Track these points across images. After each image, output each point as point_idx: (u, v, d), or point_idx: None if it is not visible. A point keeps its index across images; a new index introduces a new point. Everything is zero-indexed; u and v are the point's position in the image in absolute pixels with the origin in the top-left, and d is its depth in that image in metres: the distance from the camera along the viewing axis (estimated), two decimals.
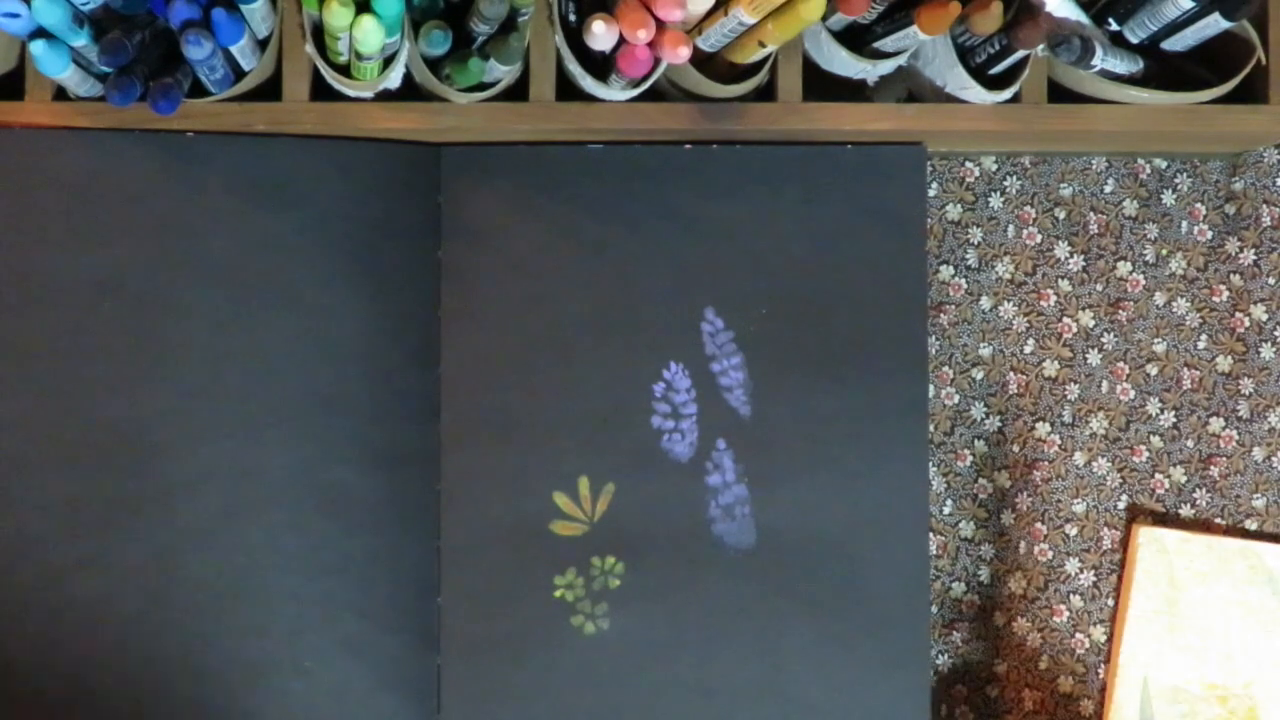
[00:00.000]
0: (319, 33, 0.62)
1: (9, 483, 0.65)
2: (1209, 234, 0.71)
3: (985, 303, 0.71)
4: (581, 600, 0.67)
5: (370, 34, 0.58)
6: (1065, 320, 0.71)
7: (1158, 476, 0.71)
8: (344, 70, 0.63)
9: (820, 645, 0.67)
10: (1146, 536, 0.69)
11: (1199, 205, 0.72)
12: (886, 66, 0.65)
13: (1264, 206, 0.71)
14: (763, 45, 0.61)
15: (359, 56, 0.60)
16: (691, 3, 0.58)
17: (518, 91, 0.65)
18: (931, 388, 0.71)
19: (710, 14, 0.60)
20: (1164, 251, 0.71)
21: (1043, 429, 0.71)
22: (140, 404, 0.65)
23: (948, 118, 0.65)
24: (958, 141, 0.69)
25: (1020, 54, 0.63)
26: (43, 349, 0.65)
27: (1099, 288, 0.71)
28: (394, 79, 0.63)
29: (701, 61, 0.63)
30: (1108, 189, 0.72)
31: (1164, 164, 0.71)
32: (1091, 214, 0.71)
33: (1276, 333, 0.71)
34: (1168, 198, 0.72)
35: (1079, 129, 0.66)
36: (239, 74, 0.63)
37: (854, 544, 0.67)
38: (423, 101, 0.65)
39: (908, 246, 0.68)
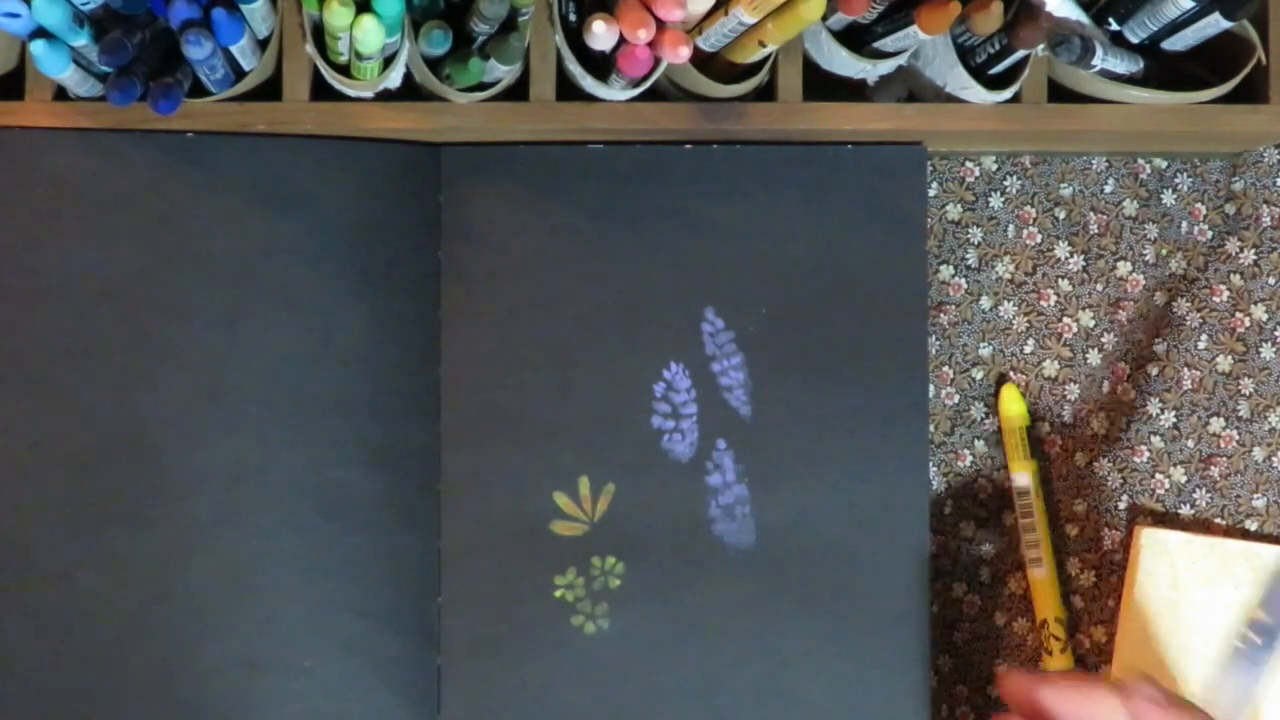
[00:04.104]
0: (319, 33, 0.62)
1: (9, 483, 0.65)
2: (1209, 234, 0.71)
3: (985, 303, 0.71)
4: (582, 600, 0.67)
5: (370, 34, 0.58)
6: (1065, 320, 0.71)
7: (1158, 476, 0.71)
8: (344, 70, 0.63)
9: (820, 645, 0.67)
10: (1149, 539, 0.68)
11: (1199, 205, 0.72)
12: (886, 66, 0.65)
13: (1264, 206, 0.71)
14: (763, 45, 0.61)
15: (359, 56, 0.60)
16: (691, 3, 0.58)
17: (518, 91, 0.65)
18: (931, 388, 0.71)
19: (710, 14, 0.60)
20: (1164, 251, 0.71)
21: (1043, 429, 0.71)
22: (140, 404, 0.65)
23: (948, 118, 0.65)
24: (958, 141, 0.69)
25: (1020, 54, 0.63)
26: (43, 349, 0.65)
27: (1099, 288, 0.71)
28: (394, 79, 0.63)
29: (702, 61, 0.63)
30: (1108, 189, 0.72)
31: (1164, 164, 0.71)
32: (1091, 214, 0.71)
33: (1276, 333, 0.71)
34: (1168, 198, 0.72)
35: (1079, 129, 0.66)
36: (239, 74, 0.63)
37: (854, 544, 0.67)
38: (423, 101, 0.65)
39: (908, 246, 0.68)
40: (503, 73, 0.63)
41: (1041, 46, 0.62)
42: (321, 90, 0.65)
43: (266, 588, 0.65)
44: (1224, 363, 0.71)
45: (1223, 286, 0.71)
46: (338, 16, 0.58)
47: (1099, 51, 0.62)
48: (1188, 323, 0.71)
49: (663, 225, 0.67)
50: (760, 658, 0.67)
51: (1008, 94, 0.65)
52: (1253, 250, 0.71)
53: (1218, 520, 0.71)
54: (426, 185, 0.67)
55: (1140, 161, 0.72)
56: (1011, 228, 0.71)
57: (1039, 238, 0.71)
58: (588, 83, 0.63)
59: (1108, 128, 0.65)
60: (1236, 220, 0.71)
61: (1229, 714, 0.60)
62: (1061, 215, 0.71)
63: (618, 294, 0.67)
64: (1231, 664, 0.60)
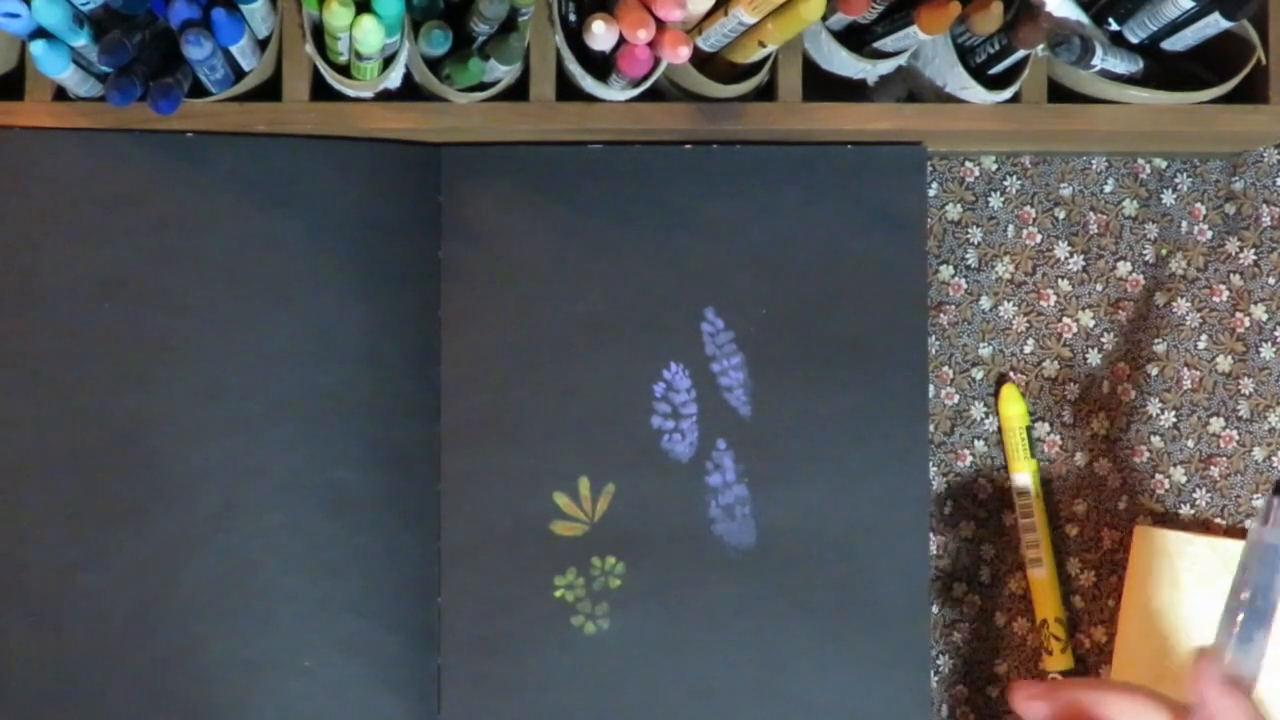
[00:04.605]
0: (319, 33, 0.62)
1: (9, 483, 0.65)
2: (1209, 234, 0.71)
3: (985, 303, 0.71)
4: (582, 600, 0.67)
5: (370, 34, 0.58)
6: (1065, 320, 0.71)
7: (1158, 477, 0.71)
8: (344, 70, 0.63)
9: (820, 645, 0.67)
10: (1149, 539, 0.68)
11: (1199, 205, 0.72)
12: (886, 66, 0.65)
13: (1264, 206, 0.71)
14: (763, 45, 0.61)
15: (359, 56, 0.60)
16: (691, 3, 0.58)
17: (518, 91, 0.65)
18: (931, 388, 0.71)
19: (710, 14, 0.60)
20: (1164, 251, 0.71)
21: (1042, 429, 0.71)
22: (140, 404, 0.65)
23: (948, 118, 0.65)
24: (958, 141, 0.69)
25: (1020, 54, 0.63)
26: (43, 349, 0.65)
27: (1099, 288, 0.71)
28: (394, 79, 0.63)
29: (701, 61, 0.63)
30: (1108, 189, 0.72)
31: (1164, 164, 0.71)
32: (1091, 214, 0.71)
33: (1276, 333, 0.71)
34: (1168, 198, 0.72)
35: (1079, 129, 0.66)
36: (239, 74, 0.63)
37: (854, 544, 0.67)
38: (423, 101, 0.65)
39: (908, 246, 0.68)
40: (503, 73, 0.63)
41: (1041, 46, 0.62)
42: (321, 90, 0.65)
43: (266, 588, 0.65)
44: (1224, 363, 0.71)
45: (1223, 286, 0.71)
46: (338, 16, 0.58)
47: (1099, 51, 0.62)
48: (1188, 323, 0.71)
49: (663, 225, 0.67)
50: (760, 658, 0.67)
51: (1008, 94, 0.65)
52: (1253, 250, 0.71)
53: (1218, 520, 0.71)
54: (426, 185, 0.67)
55: (1140, 161, 0.72)
56: (1011, 228, 0.71)
57: (1039, 238, 0.71)
58: (588, 83, 0.63)
59: (1108, 128, 0.65)
60: (1236, 220, 0.71)
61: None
62: (1061, 215, 0.71)
63: (618, 294, 0.67)
64: (1237, 644, 0.59)
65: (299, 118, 0.64)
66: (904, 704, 0.67)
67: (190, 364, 0.65)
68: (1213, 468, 0.71)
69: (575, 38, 0.62)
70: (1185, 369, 0.71)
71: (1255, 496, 0.71)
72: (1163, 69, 0.66)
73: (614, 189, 0.67)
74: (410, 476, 0.66)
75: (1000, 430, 0.71)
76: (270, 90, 0.65)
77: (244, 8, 0.59)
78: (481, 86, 0.64)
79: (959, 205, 0.71)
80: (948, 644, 0.71)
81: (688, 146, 0.67)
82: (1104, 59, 0.63)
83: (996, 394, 0.71)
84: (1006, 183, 0.71)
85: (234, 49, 0.60)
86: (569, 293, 0.67)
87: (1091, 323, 0.71)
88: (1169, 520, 0.71)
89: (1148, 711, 0.55)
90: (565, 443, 0.67)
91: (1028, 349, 0.71)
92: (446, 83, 0.63)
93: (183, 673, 0.65)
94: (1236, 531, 0.71)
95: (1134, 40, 0.65)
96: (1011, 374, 0.71)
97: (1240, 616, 0.59)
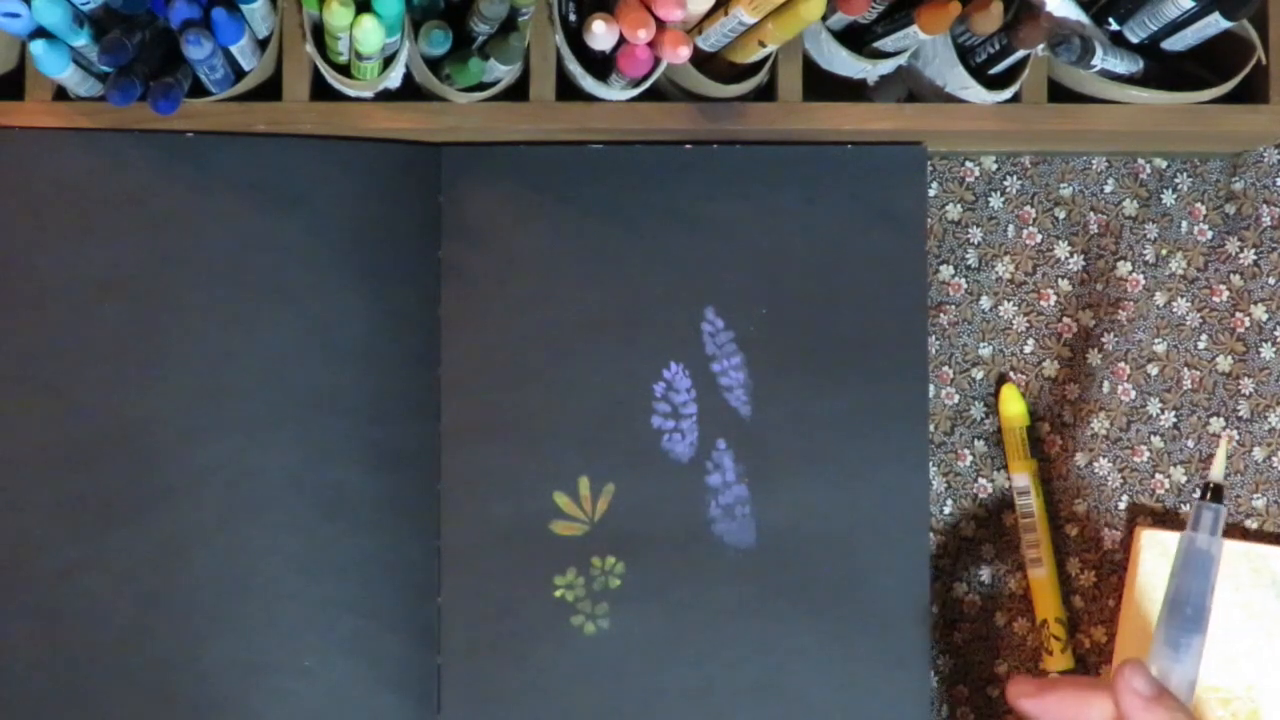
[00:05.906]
0: (319, 32, 0.62)
1: (9, 483, 0.65)
2: (1209, 234, 0.71)
3: (985, 303, 0.71)
4: (582, 600, 0.67)
5: (370, 34, 0.58)
6: (1065, 320, 0.71)
7: (1158, 477, 0.71)
8: (344, 70, 0.63)
9: (820, 645, 0.67)
10: (1149, 539, 0.68)
11: (1199, 205, 0.72)
12: (886, 66, 0.65)
13: (1264, 206, 0.71)
14: (763, 45, 0.61)
15: (359, 56, 0.60)
16: (691, 3, 0.58)
17: (518, 91, 0.65)
18: (931, 388, 0.71)
19: (710, 14, 0.60)
20: (1164, 251, 0.71)
21: (1043, 429, 0.71)
22: (140, 404, 0.65)
23: (948, 118, 0.65)
24: (958, 141, 0.69)
25: (1020, 54, 0.63)
26: (43, 349, 0.65)
27: (1099, 288, 0.71)
28: (394, 79, 0.63)
29: (701, 61, 0.63)
30: (1108, 189, 0.72)
31: (1164, 164, 0.71)
32: (1091, 214, 0.71)
33: (1276, 333, 0.71)
34: (1168, 198, 0.72)
35: (1079, 129, 0.66)
36: (239, 74, 0.63)
37: (854, 544, 0.67)
38: (423, 101, 0.65)
39: (908, 246, 0.68)
40: (503, 73, 0.63)
41: (1041, 46, 0.62)
42: (321, 90, 0.65)
43: (266, 588, 0.65)
44: (1224, 363, 0.71)
45: (1223, 286, 0.71)
46: (338, 16, 0.58)
47: (1099, 51, 0.62)
48: (1188, 323, 0.71)
49: (663, 225, 0.67)
50: (760, 658, 0.67)
51: (1008, 94, 0.65)
52: (1253, 250, 0.71)
53: None
54: (426, 185, 0.67)
55: (1140, 161, 0.72)
56: (1011, 228, 0.71)
57: (1039, 238, 0.71)
58: (588, 83, 0.63)
59: (1108, 128, 0.65)
60: (1236, 220, 0.71)
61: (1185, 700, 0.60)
62: (1061, 215, 0.71)
63: (618, 294, 0.67)
64: (1167, 650, 0.60)
65: (299, 118, 0.64)
66: (904, 704, 0.67)
67: (190, 364, 0.65)
68: None
69: (575, 38, 0.62)
70: (1185, 369, 0.71)
71: (1255, 496, 0.71)
72: (1163, 69, 0.66)
73: (614, 189, 0.67)
74: (410, 476, 0.66)
75: (1000, 430, 0.71)
76: (270, 90, 0.65)
77: (244, 7, 0.59)
78: (481, 86, 0.64)
79: (959, 205, 0.71)
80: (948, 644, 0.71)
81: (688, 146, 0.67)
82: (1104, 59, 0.63)
83: (996, 394, 0.71)
84: (1006, 183, 0.71)
85: (234, 49, 0.60)
86: (569, 293, 0.67)
87: (1091, 323, 0.71)
88: (1169, 520, 0.71)
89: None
90: (565, 443, 0.67)
91: (1028, 349, 0.71)
92: (446, 83, 0.63)
93: (183, 673, 0.65)
94: (1236, 531, 0.71)
95: (1134, 40, 0.65)
96: (1011, 374, 0.71)
97: (1173, 624, 0.59)
